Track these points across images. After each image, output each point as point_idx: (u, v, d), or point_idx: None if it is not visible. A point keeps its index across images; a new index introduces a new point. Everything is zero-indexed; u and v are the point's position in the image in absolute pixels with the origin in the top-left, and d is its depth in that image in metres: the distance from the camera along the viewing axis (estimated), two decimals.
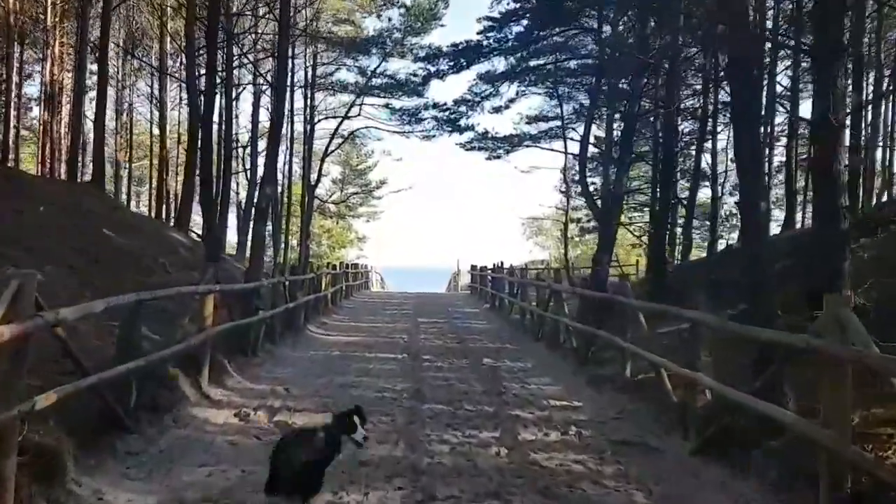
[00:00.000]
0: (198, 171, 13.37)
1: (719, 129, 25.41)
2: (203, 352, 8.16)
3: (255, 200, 14.87)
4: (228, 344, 9.85)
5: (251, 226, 13.70)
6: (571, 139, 23.20)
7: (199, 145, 12.95)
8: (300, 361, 10.94)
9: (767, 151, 20.46)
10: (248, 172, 23.77)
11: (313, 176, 29.54)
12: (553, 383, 9.35)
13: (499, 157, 26.92)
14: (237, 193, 31.52)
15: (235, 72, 22.14)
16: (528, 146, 24.94)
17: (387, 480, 5.33)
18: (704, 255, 26.29)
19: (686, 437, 6.13)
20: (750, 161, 6.50)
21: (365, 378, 9.49)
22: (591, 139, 17.31)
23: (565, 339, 11.72)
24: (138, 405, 6.24)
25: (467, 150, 24.80)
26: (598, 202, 16.77)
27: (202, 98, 13.54)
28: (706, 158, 23.89)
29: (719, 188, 29.20)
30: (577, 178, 32.04)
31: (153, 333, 8.82)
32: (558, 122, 24.11)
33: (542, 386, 9.12)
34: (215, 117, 16.06)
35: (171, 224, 21.40)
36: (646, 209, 33.03)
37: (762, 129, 18.03)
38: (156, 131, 26.10)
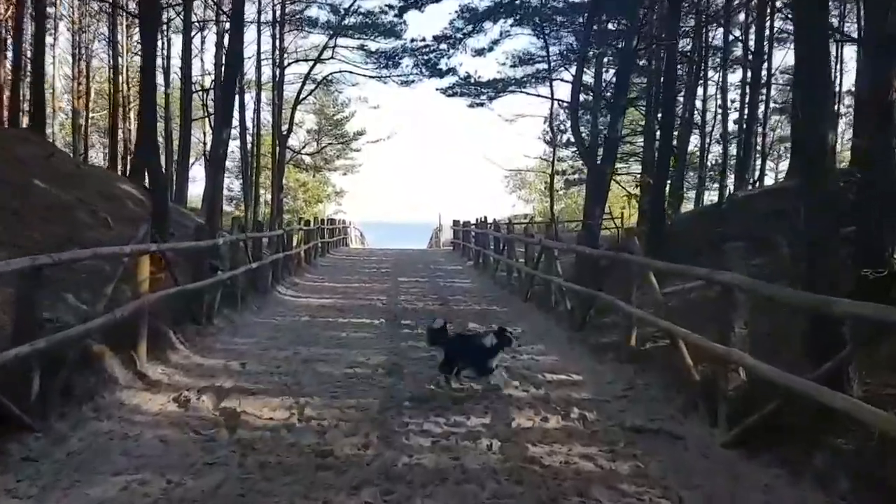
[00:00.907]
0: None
1: (710, 73, 24.22)
2: (139, 323, 6.96)
3: (210, 147, 13.42)
4: (176, 312, 8.65)
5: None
6: (561, 80, 21.77)
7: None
8: (263, 329, 9.77)
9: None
10: (213, 119, 22.09)
11: (285, 126, 27.88)
12: (547, 352, 8.29)
13: (482, 105, 25.52)
14: (204, 144, 29.82)
15: (199, 9, 20.33)
16: (512, 91, 23.54)
17: (352, 492, 4.23)
18: (691, 207, 25.45)
19: (713, 423, 5.09)
20: (815, 78, 5.21)
21: (335, 350, 8.35)
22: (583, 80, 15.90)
23: (558, 301, 10.65)
24: (45, 395, 5.05)
25: (448, 96, 23.36)
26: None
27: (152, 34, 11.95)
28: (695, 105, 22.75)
29: (707, 137, 28.20)
30: (563, 126, 30.83)
31: (84, 303, 7.61)
32: (545, 65, 22.64)
33: (536, 356, 8.05)
34: (175, 57, 14.56)
35: (127, 175, 19.84)
36: (631, 159, 32.01)
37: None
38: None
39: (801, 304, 3.96)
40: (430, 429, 5.39)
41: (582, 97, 27.10)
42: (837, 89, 18.32)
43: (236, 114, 30.85)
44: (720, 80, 27.47)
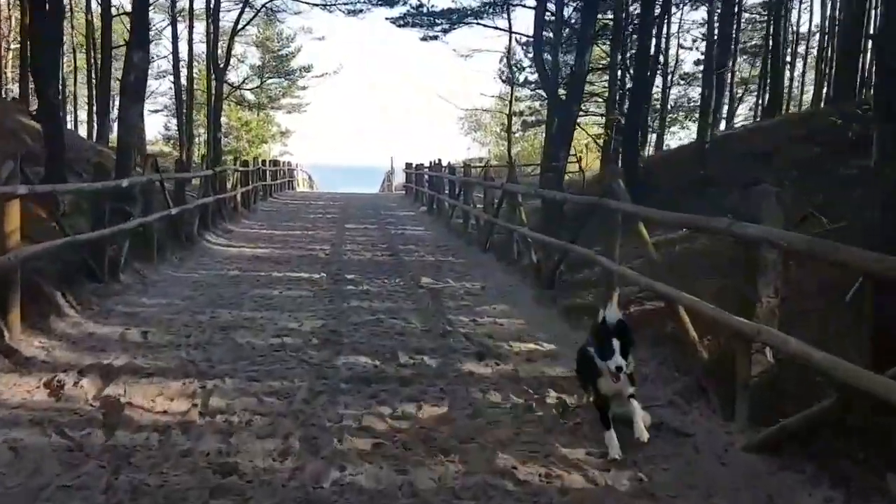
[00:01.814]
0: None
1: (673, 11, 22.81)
2: (7, 284, 5.51)
3: (122, 73, 11.57)
4: (69, 268, 7.17)
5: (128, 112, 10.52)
6: (522, 4, 20.11)
7: None
8: (180, 286, 8.35)
9: None
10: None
11: (223, 59, 25.51)
12: (512, 314, 7.16)
13: (436, 38, 23.64)
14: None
15: None
16: (468, 24, 21.74)
17: None
18: (652, 152, 24.46)
19: (728, 415, 4.04)
20: None
21: (263, 313, 7.04)
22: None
23: (522, 253, 9.51)
24: None
25: (399, 26, 21.47)
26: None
27: None
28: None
29: (669, 77, 27.01)
30: (521, 64, 29.25)
31: None
32: None
33: (500, 319, 6.91)
34: None
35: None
36: (591, 100, 30.71)
37: None
38: None
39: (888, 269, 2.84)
40: (371, 424, 4.20)
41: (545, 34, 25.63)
42: None
43: (168, 45, 28.41)
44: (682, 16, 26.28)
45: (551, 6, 14.89)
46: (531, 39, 27.53)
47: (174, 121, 34.53)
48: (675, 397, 4.51)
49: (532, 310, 7.34)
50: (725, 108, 21.54)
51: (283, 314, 6.98)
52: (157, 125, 42.66)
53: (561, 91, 13.24)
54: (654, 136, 25.67)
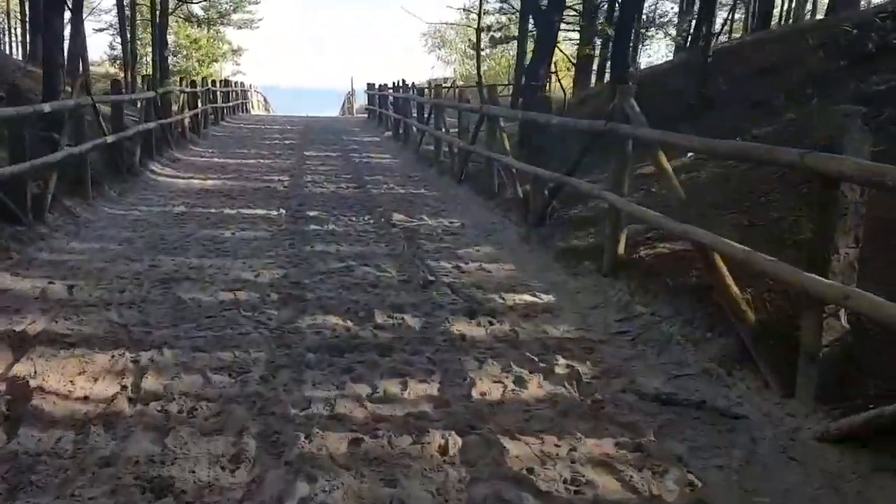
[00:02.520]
0: None
1: None
2: None
3: None
4: None
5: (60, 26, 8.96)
6: None
7: None
8: (117, 227, 7.28)
9: None
10: None
11: None
12: (500, 258, 6.32)
13: None
14: None
15: None
16: None
17: None
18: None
19: (787, 392, 3.32)
20: None
21: (213, 260, 6.06)
22: None
23: (503, 185, 8.61)
24: None
25: None
26: None
27: None
28: None
29: None
30: None
31: None
32: None
33: (486, 264, 6.06)
34: None
35: None
36: (568, 10, 29.09)
37: None
38: None
39: None
40: (346, 412, 3.37)
41: None
42: None
43: None
44: None
45: None
46: None
47: (119, 39, 31.87)
48: (710, 365, 3.77)
49: (521, 252, 6.51)
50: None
51: (235, 262, 6.01)
52: (102, 45, 39.48)
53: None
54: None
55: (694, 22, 14.16)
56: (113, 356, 3.94)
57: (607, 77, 20.94)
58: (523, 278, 5.62)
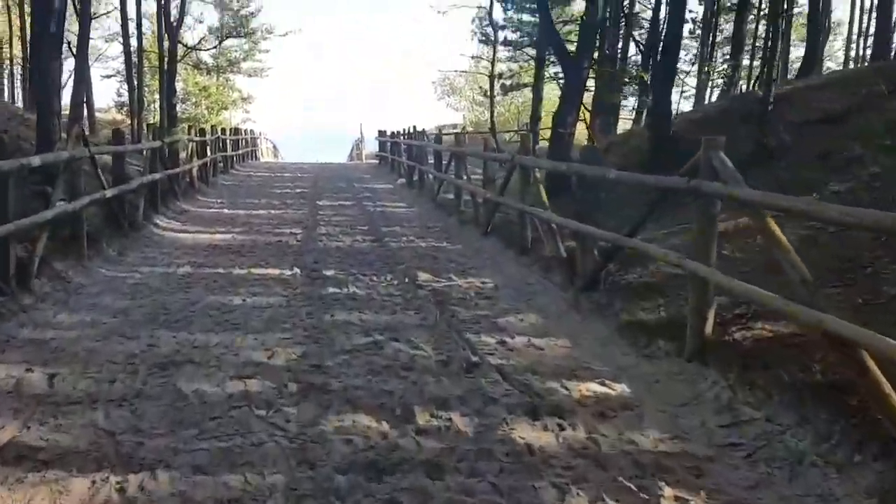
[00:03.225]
0: None
1: None
2: None
3: (33, 21, 9.34)
4: None
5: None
6: None
7: None
8: (114, 295, 6.49)
9: None
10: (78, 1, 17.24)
11: (176, 17, 23.04)
12: (549, 330, 5.49)
13: None
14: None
15: None
16: None
17: None
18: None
19: None
20: None
21: (220, 336, 5.26)
22: None
23: (538, 240, 7.83)
24: None
25: None
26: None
27: None
28: None
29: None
30: (502, 22, 27.18)
31: None
32: None
33: (535, 339, 5.23)
34: None
35: None
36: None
37: None
38: None
39: None
40: None
41: None
42: None
43: (116, 2, 25.51)
44: None
45: None
46: None
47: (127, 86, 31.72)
48: (868, 502, 2.88)
49: (572, 323, 5.68)
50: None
51: (246, 337, 5.21)
52: (110, 91, 39.52)
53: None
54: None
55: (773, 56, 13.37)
56: (94, 482, 3.11)
57: (623, 123, 20.45)
58: (584, 358, 4.78)
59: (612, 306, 5.56)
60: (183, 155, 14.44)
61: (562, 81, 27.56)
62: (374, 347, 5.02)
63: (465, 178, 11.52)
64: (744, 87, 16.07)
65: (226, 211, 12.77)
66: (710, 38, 19.91)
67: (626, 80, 13.09)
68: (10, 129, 9.78)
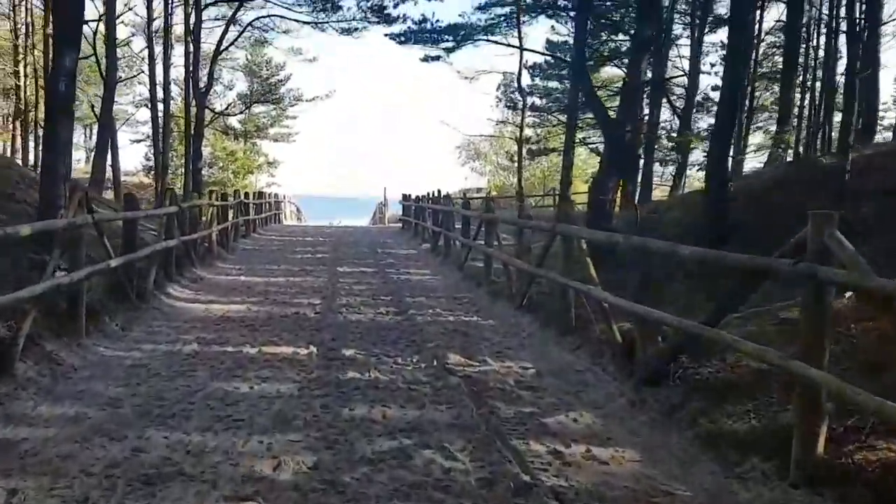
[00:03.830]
0: None
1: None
2: None
3: (48, 79, 9.02)
4: None
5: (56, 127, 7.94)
6: (537, 18, 17.91)
7: None
8: (107, 380, 5.73)
9: None
10: (105, 66, 17.32)
11: (204, 82, 23.16)
12: (611, 437, 4.58)
13: (438, 59, 21.56)
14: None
15: None
16: (476, 41, 19.56)
17: None
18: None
19: None
20: None
21: (220, 438, 4.44)
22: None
23: (584, 318, 7.00)
24: None
25: (400, 43, 19.31)
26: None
27: None
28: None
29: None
30: (531, 84, 27.06)
31: None
32: (513, 7, 18.78)
33: (595, 448, 4.33)
34: None
35: None
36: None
37: None
38: None
39: None
40: None
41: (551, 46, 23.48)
42: None
43: (144, 67, 25.89)
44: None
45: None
46: (545, 57, 25.56)
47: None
48: None
49: (637, 427, 4.77)
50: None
51: (250, 439, 4.39)
52: (139, 155, 40.02)
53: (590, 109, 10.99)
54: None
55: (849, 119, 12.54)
56: None
57: (657, 189, 19.75)
58: (661, 479, 3.87)
59: (686, 408, 4.66)
60: (205, 217, 13.98)
61: (591, 146, 27.38)
62: (401, 456, 4.17)
63: (496, 244, 10.80)
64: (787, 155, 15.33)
65: (243, 278, 12.14)
66: (748, 105, 19.35)
67: (677, 144, 12.47)
68: (18, 192, 9.32)
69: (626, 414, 5.01)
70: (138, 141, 37.51)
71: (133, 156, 53.92)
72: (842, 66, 15.24)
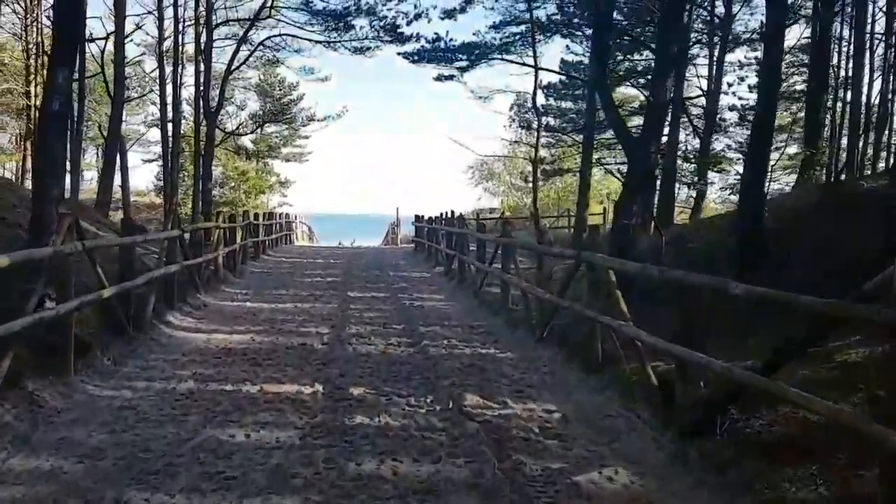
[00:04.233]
0: None
1: None
2: None
3: (41, 99, 8.66)
4: None
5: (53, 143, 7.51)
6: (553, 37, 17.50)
7: None
8: (89, 426, 5.21)
9: None
10: (112, 85, 17.09)
11: (215, 101, 22.94)
12: (649, 501, 4.01)
13: (451, 78, 21.18)
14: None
15: None
16: (491, 60, 19.16)
17: None
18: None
19: None
20: None
21: (204, 501, 3.91)
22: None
23: (611, 354, 6.43)
24: None
25: (413, 62, 18.98)
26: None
27: None
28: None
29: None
30: (545, 104, 26.65)
31: None
32: (528, 25, 18.40)
33: None
34: None
35: None
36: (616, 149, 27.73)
37: None
38: None
39: None
40: None
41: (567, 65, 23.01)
42: None
43: (155, 87, 25.79)
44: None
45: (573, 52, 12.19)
46: (560, 77, 25.15)
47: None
48: None
49: (684, 489, 4.17)
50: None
51: None
52: (151, 175, 39.94)
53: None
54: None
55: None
56: None
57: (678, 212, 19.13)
58: None
59: (738, 467, 4.06)
60: (211, 241, 13.55)
61: (607, 167, 26.82)
62: None
63: (514, 270, 10.25)
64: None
65: (249, 304, 11.65)
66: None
67: (699, 166, 11.92)
68: (13, 216, 8.91)
69: (668, 471, 4.42)
70: (150, 161, 37.46)
71: (145, 176, 54.01)
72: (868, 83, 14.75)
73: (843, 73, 14.90)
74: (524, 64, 19.86)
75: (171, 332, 8.87)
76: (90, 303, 6.88)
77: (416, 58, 18.93)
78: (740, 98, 20.92)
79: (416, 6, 18.64)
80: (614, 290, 6.13)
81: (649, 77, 15.90)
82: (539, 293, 8.52)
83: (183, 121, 24.86)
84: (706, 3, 16.59)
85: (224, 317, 10.35)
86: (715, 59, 18.07)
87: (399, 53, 19.33)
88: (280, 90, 38.39)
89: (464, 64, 19.65)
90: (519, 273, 9.74)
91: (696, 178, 15.28)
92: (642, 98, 19.04)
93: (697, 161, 13.78)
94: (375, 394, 6.24)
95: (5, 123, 26.99)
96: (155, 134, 35.80)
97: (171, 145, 22.24)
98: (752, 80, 20.05)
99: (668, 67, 9.53)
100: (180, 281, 10.75)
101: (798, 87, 26.12)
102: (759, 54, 15.24)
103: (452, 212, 20.72)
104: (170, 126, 22.38)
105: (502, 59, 19.29)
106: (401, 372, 7.11)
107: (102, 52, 19.66)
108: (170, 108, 22.36)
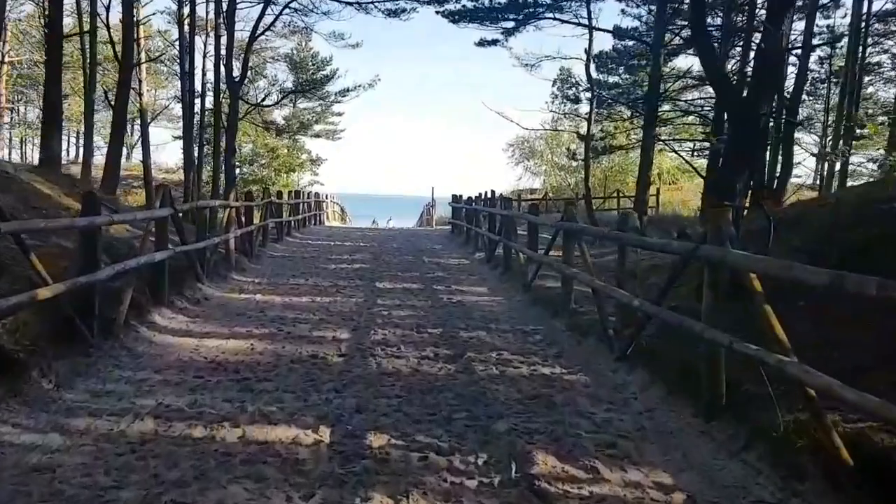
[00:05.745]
0: None
1: None
2: None
3: None
4: None
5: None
6: None
7: None
8: (17, 470, 3.44)
9: None
10: (121, 48, 15.41)
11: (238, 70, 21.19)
12: None
13: (495, 43, 19.04)
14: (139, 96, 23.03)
15: None
16: (544, 19, 16.94)
17: None
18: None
19: None
20: None
21: None
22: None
23: (733, 383, 4.39)
24: None
25: (454, 21, 16.84)
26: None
27: None
28: None
29: None
30: (602, 70, 24.21)
31: None
32: None
33: None
34: None
35: None
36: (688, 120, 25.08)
37: None
38: None
39: None
40: None
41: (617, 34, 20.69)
42: None
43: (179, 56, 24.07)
44: None
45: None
46: (613, 44, 22.74)
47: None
48: None
49: None
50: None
51: None
52: (181, 152, 38.76)
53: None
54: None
55: None
56: None
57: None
58: None
59: None
60: (223, 219, 11.82)
61: (668, 143, 24.41)
62: None
63: (580, 261, 8.23)
64: None
65: (258, 297, 9.87)
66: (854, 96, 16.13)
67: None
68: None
69: None
70: (179, 137, 36.11)
71: (176, 153, 52.90)
72: None
73: None
74: (578, 24, 17.60)
75: (152, 337, 7.10)
76: (27, 305, 5.10)
77: (456, 17, 16.85)
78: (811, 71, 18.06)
79: None
80: (762, 306, 4.04)
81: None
82: (620, 296, 6.47)
83: (209, 94, 23.26)
84: None
85: (225, 314, 8.57)
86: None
87: (438, 12, 17.25)
88: (313, 63, 36.55)
89: (510, 25, 17.51)
90: (589, 266, 7.70)
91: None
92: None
93: (784, 123, 11.40)
94: (403, 447, 4.35)
95: None
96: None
97: (198, 120, 20.58)
98: None
99: (785, 14, 7.24)
100: (176, 269, 9.03)
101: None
102: None
103: (492, 192, 18.79)
104: (188, 98, 20.70)
105: (554, 18, 17.05)
106: (439, 405, 5.20)
107: (108, 8, 17.94)
108: (188, 78, 20.66)
